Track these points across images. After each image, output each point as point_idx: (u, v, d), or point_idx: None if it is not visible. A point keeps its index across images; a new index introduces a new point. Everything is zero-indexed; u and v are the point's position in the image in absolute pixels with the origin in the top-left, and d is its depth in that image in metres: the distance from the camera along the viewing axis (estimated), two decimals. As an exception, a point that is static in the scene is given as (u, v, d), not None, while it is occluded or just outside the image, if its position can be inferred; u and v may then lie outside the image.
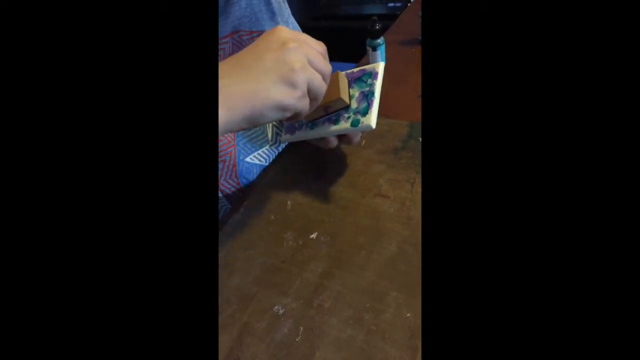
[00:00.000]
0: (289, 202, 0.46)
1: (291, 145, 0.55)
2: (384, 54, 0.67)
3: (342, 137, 0.44)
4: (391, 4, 1.41)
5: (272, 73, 0.31)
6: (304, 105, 0.34)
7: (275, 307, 0.36)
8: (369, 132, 0.52)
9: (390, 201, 0.43)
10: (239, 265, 0.41)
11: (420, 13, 0.76)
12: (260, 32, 0.47)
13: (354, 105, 0.41)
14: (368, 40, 0.65)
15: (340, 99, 0.40)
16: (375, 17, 0.64)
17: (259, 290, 0.38)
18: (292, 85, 0.32)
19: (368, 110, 0.40)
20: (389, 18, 0.92)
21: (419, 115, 0.53)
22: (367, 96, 0.41)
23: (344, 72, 0.44)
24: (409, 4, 0.95)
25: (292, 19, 0.54)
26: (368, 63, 0.68)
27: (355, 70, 0.44)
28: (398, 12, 0.92)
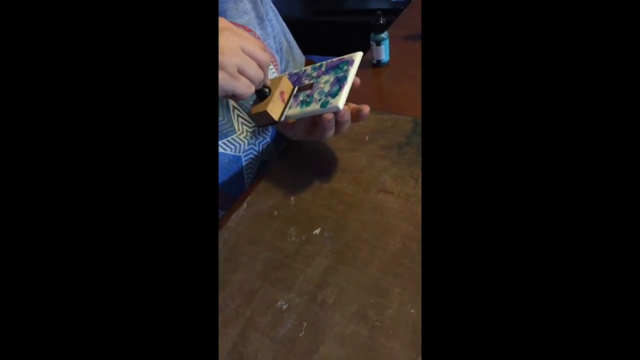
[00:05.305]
0: (292, 198, 0.46)
1: (293, 142, 0.55)
2: (387, 49, 0.66)
3: (314, 132, 0.45)
4: (395, -1, 1.40)
5: None
6: (234, 85, 0.36)
7: (279, 303, 0.36)
8: (373, 128, 0.52)
9: (394, 197, 0.43)
10: (243, 260, 0.41)
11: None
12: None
13: (326, 88, 0.42)
14: (372, 35, 0.65)
15: (266, 113, 0.42)
16: (380, 12, 0.63)
17: (262, 286, 0.38)
18: (219, 66, 0.35)
19: (338, 93, 0.41)
20: (393, 13, 0.91)
21: (423, 110, 0.53)
22: (340, 80, 0.42)
23: (307, 68, 0.47)
24: (412, -1, 0.94)
25: (272, 14, 0.54)
26: (372, 58, 0.68)
27: (335, 59, 0.45)
28: (402, 7, 0.91)
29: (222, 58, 0.34)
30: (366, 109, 0.42)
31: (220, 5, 0.46)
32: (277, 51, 0.55)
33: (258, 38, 0.50)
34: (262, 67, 0.39)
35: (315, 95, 0.42)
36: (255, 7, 0.49)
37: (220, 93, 0.36)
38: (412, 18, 0.83)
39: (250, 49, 0.37)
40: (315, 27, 1.57)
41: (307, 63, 0.63)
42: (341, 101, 0.40)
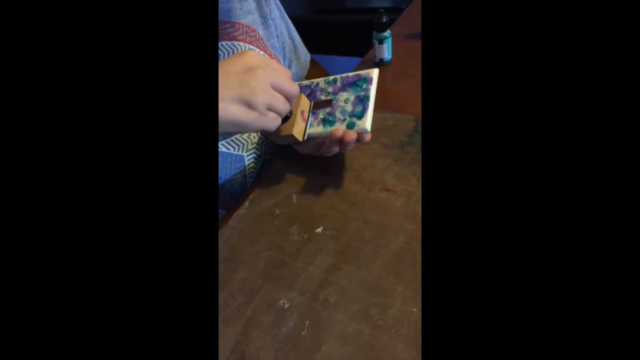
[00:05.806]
0: (294, 196, 0.46)
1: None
2: (390, 47, 0.66)
3: (322, 148, 0.44)
4: (396, -3, 1.39)
5: (233, 91, 0.35)
6: (263, 123, 0.37)
7: (281, 301, 0.36)
8: (374, 127, 0.51)
9: (396, 196, 0.43)
10: (245, 259, 0.41)
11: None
12: (233, 24, 0.47)
13: (349, 108, 0.43)
14: (374, 34, 0.65)
15: (292, 136, 0.42)
16: (382, 10, 0.63)
17: (264, 284, 0.38)
18: (250, 106, 0.35)
19: (363, 113, 0.41)
20: (394, 12, 0.91)
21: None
22: (362, 100, 0.42)
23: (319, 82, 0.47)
24: (414, -3, 0.94)
25: (277, 13, 0.54)
26: (374, 56, 0.67)
27: (350, 74, 0.46)
28: (403, 6, 0.91)
29: (254, 99, 0.35)
30: (368, 136, 0.42)
31: (225, 5, 0.46)
32: (280, 50, 0.55)
33: (261, 39, 0.50)
34: (290, 99, 0.39)
35: (338, 115, 0.43)
36: (259, 7, 0.50)
37: (248, 130, 0.37)
38: (413, 17, 0.83)
39: (278, 83, 0.37)
40: (316, 26, 1.57)
41: (312, 62, 0.63)
42: (368, 122, 0.41)
